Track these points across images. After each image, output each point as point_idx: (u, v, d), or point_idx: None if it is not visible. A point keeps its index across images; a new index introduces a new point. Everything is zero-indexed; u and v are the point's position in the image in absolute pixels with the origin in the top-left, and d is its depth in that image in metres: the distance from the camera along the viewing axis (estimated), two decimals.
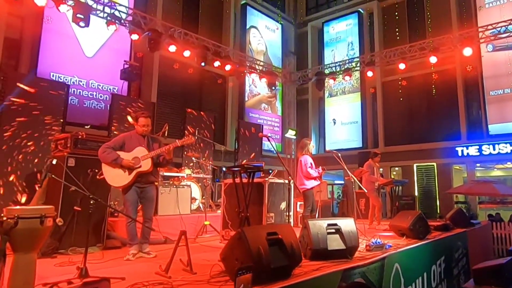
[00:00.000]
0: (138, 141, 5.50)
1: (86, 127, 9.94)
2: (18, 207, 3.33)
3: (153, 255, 5.34)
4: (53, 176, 4.83)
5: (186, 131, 11.27)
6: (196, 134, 8.83)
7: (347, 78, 17.04)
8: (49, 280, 3.68)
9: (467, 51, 13.17)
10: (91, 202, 3.99)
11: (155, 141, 5.68)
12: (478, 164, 16.97)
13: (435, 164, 17.10)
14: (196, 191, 9.29)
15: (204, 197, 9.50)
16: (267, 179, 5.72)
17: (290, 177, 6.07)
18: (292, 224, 6.73)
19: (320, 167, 7.58)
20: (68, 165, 5.79)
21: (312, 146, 7.74)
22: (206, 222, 7.69)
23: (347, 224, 4.90)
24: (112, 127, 9.97)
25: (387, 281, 4.78)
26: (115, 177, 5.28)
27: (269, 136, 6.01)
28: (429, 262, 6.32)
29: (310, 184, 7.39)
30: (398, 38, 18.49)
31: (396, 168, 19.26)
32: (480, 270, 4.98)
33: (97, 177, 5.68)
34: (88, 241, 3.99)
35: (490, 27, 13.64)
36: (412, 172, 17.63)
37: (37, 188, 6.65)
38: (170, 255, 4.21)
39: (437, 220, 10.71)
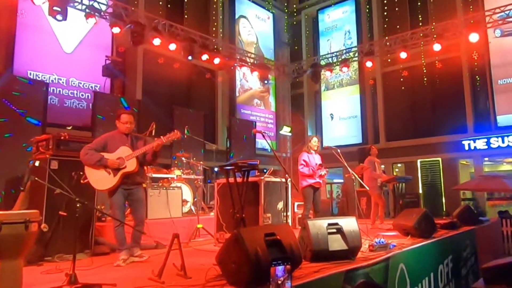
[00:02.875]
0: (121, 140, 5.56)
1: (67, 128, 9.95)
2: (1, 212, 3.40)
3: (145, 257, 5.43)
4: (36, 179, 4.87)
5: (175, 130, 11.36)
6: (186, 129, 8.84)
7: (344, 69, 17.19)
8: (37, 287, 3.76)
9: (474, 37, 13.23)
10: (78, 205, 4.05)
11: (139, 139, 5.74)
12: (486, 158, 17.10)
13: (440, 159, 17.22)
14: (187, 193, 9.38)
15: (195, 199, 9.58)
16: (263, 177, 5.79)
17: (287, 175, 6.15)
18: (290, 222, 6.81)
19: (323, 168, 7.63)
20: (51, 167, 5.85)
21: (315, 142, 7.77)
22: (199, 225, 7.76)
23: (348, 223, 4.99)
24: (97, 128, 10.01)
25: (392, 282, 4.88)
26: (100, 180, 5.34)
27: (263, 133, 6.09)
28: (436, 262, 6.43)
29: (306, 182, 7.48)
30: (398, 25, 18.54)
31: (399, 165, 19.39)
32: (490, 269, 5.10)
33: (82, 181, 5.73)
34: (76, 246, 4.07)
35: (498, 10, 13.69)
36: (415, 168, 17.76)
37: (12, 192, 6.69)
38: (162, 259, 4.28)
39: (443, 218, 10.84)
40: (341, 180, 19.25)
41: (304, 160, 7.53)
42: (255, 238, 3.72)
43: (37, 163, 5.97)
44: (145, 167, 6.25)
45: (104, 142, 5.48)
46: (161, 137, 5.58)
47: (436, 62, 16.79)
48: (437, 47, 13.74)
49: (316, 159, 7.70)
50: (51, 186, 4.47)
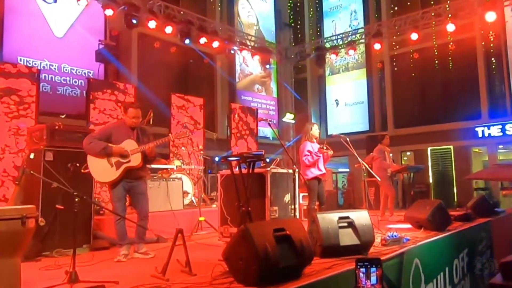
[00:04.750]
0: (127, 133, 5.56)
1: (61, 116, 9.95)
2: None
3: (151, 255, 5.47)
4: (32, 172, 4.87)
5: (172, 118, 11.40)
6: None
7: (350, 52, 17.11)
8: (36, 286, 3.78)
9: (490, 16, 13.04)
10: (76, 199, 4.05)
11: (145, 135, 5.74)
12: (500, 146, 17.08)
13: (451, 147, 17.21)
14: (188, 184, 9.42)
15: (197, 191, 9.61)
16: (269, 169, 5.79)
17: (295, 166, 6.14)
18: (298, 215, 6.82)
19: (320, 146, 7.57)
20: (46, 159, 5.86)
21: (316, 130, 7.71)
22: (201, 218, 7.83)
23: (360, 216, 5.00)
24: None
25: (407, 279, 4.89)
26: (102, 172, 5.37)
27: (270, 121, 6.08)
28: (451, 256, 6.45)
29: (311, 173, 7.43)
30: (409, 3, 18.39)
31: (408, 153, 19.39)
32: (509, 264, 5.09)
33: (82, 170, 5.75)
34: (75, 242, 4.08)
35: None
36: (426, 157, 17.77)
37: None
38: (164, 255, 4.32)
39: (456, 209, 10.86)
40: (347, 170, 19.25)
41: (308, 151, 7.48)
42: (264, 233, 3.73)
43: (32, 155, 5.97)
44: None
45: (109, 133, 5.51)
46: (170, 134, 5.85)
47: (449, 43, 16.70)
48: (450, 27, 13.61)
49: (316, 149, 7.60)
50: (47, 180, 4.46)
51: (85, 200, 4.09)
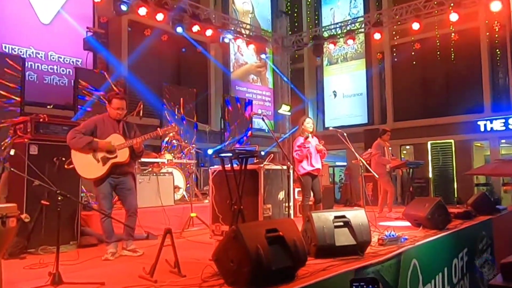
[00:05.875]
0: (112, 126, 5.53)
1: (48, 107, 9.88)
2: None
3: (140, 253, 5.49)
4: (12, 169, 4.85)
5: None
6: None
7: (349, 42, 17.06)
8: (19, 286, 3.76)
9: (495, 6, 12.96)
10: (59, 198, 4.02)
11: (132, 129, 5.72)
12: (503, 140, 17.10)
13: (452, 141, 17.13)
14: (179, 179, 9.43)
15: (188, 185, 9.61)
16: (262, 165, 5.77)
17: (289, 163, 6.12)
18: (292, 214, 6.84)
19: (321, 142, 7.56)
20: (30, 153, 5.85)
21: (309, 123, 7.60)
22: (193, 214, 7.85)
23: (357, 215, 5.00)
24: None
25: (404, 280, 4.91)
26: (87, 167, 5.33)
27: (264, 115, 6.06)
28: (450, 255, 6.47)
29: (303, 169, 7.41)
30: None
31: (407, 147, 19.40)
32: (509, 265, 5.10)
33: (66, 166, 5.72)
34: (59, 241, 4.05)
35: None
36: (426, 151, 17.72)
37: None
38: (153, 253, 4.31)
39: (456, 206, 10.90)
40: (345, 163, 19.26)
41: (299, 146, 7.45)
42: (256, 234, 3.72)
43: (12, 152, 5.92)
44: None
45: (93, 126, 5.46)
46: (158, 129, 5.68)
47: (452, 33, 16.64)
48: (453, 16, 13.55)
49: (312, 143, 7.56)
50: (30, 178, 4.43)
51: (69, 198, 4.03)
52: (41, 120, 6.10)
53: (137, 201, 7.45)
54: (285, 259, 3.80)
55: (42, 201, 5.41)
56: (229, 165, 5.51)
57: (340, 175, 19.48)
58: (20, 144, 5.99)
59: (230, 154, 5.45)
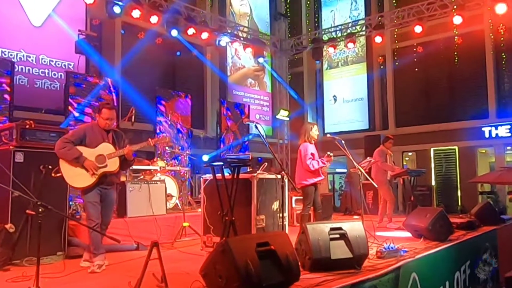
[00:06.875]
0: (102, 135, 5.55)
1: (40, 112, 9.82)
2: None
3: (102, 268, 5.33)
4: None
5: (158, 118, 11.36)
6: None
7: (350, 45, 16.98)
8: None
9: (500, 8, 12.88)
10: (40, 210, 3.95)
11: (121, 138, 5.72)
12: (509, 147, 17.01)
13: (456, 147, 17.10)
14: (172, 187, 9.37)
15: (181, 194, 9.55)
16: (255, 174, 5.69)
17: (283, 172, 6.05)
18: (287, 224, 6.76)
19: (328, 153, 7.45)
20: (15, 161, 5.80)
21: (316, 131, 7.59)
22: (185, 224, 7.76)
23: (353, 227, 4.93)
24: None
25: None
26: (75, 176, 5.32)
27: (257, 123, 6.00)
28: (452, 268, 6.39)
29: (311, 179, 7.29)
30: None
31: (410, 153, 19.31)
32: None
33: (53, 174, 5.66)
34: (39, 256, 3.98)
35: None
36: (428, 158, 17.66)
37: None
38: (141, 265, 4.20)
39: (459, 216, 10.81)
40: (345, 170, 19.19)
41: (312, 153, 7.32)
42: (246, 248, 3.65)
43: None
44: None
45: (83, 134, 5.46)
46: (149, 139, 5.73)
47: (456, 37, 16.59)
48: (457, 19, 13.47)
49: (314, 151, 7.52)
50: (12, 190, 4.36)
51: (51, 210, 3.95)
52: (27, 126, 6.05)
53: (128, 210, 7.58)
54: (276, 275, 3.73)
55: (27, 211, 5.33)
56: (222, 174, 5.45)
57: (340, 183, 19.42)
58: (5, 151, 5.93)
59: (221, 163, 5.38)
